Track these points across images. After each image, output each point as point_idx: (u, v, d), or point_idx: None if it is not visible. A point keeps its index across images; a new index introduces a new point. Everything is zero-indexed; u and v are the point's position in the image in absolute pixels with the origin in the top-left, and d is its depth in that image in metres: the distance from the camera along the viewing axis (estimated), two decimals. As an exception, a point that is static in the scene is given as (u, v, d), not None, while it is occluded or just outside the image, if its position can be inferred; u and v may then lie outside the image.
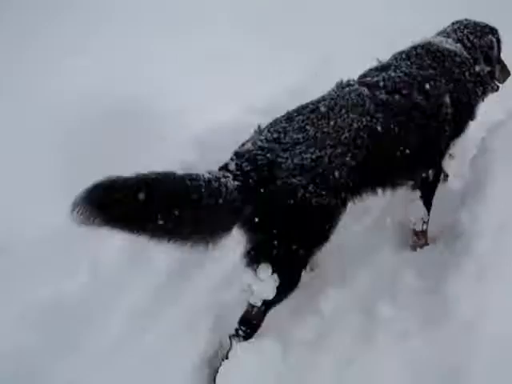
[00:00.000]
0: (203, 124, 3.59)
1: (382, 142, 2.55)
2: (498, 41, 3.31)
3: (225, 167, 2.33)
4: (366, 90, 2.63)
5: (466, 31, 3.21)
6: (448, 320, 2.29)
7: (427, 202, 3.13)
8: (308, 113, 2.49)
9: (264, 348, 2.42)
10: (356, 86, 2.68)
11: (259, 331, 2.50)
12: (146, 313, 2.74)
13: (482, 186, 2.89)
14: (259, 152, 2.32)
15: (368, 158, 2.49)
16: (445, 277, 2.55)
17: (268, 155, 2.31)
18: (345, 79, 2.73)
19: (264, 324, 2.50)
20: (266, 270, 2.36)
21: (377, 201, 2.97)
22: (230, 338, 2.48)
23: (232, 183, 2.22)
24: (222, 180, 2.19)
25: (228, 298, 2.81)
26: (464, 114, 3.07)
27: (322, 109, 2.50)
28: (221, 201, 2.14)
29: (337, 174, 2.39)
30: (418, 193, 3.10)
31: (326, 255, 2.70)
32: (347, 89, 2.64)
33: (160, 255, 2.90)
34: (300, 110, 2.53)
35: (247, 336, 2.48)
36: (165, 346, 2.58)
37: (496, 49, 3.27)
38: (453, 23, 3.36)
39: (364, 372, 2.36)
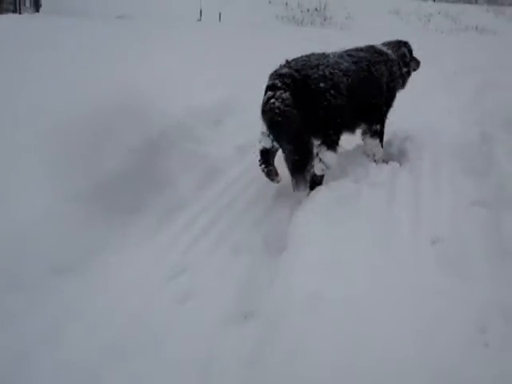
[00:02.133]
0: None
1: (355, 77, 4.05)
2: (410, 49, 5.00)
3: (272, 86, 3.69)
4: (345, 55, 4.23)
5: (394, 48, 4.77)
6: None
7: (380, 141, 4.56)
8: (318, 54, 4.05)
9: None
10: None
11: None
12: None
13: (295, 256, 3.08)
14: (295, 72, 3.74)
15: (351, 81, 3.98)
16: (261, 352, 2.55)
17: (302, 72, 3.75)
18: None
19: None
20: (337, 149, 3.91)
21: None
22: None
23: (286, 94, 3.63)
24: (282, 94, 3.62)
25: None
26: (392, 91, 4.60)
27: (326, 53, 4.13)
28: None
29: (342, 85, 3.87)
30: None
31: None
32: (335, 51, 4.26)
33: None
34: (312, 54, 4.04)
35: None
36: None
37: (408, 55, 4.89)
38: (384, 42, 4.87)
39: None
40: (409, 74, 4.94)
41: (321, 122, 3.77)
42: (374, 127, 4.48)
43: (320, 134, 3.81)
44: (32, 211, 3.37)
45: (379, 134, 4.54)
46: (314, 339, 2.47)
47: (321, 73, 3.76)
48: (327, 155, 3.83)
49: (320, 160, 3.84)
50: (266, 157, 4.16)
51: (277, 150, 4.13)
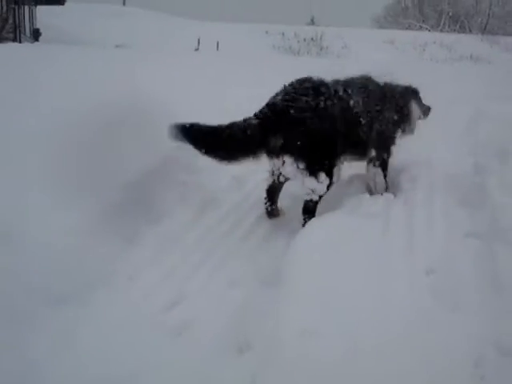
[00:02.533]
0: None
1: (352, 111, 4.11)
2: (419, 98, 5.04)
3: (257, 113, 3.86)
4: (354, 88, 4.25)
5: (400, 94, 4.79)
6: None
7: (384, 173, 4.64)
8: (319, 81, 4.01)
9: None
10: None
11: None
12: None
13: (290, 290, 3.09)
14: (280, 102, 3.84)
15: (346, 114, 4.04)
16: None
17: (285, 103, 3.81)
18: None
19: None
20: (322, 176, 3.95)
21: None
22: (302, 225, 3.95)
23: (254, 122, 3.78)
24: (248, 121, 3.79)
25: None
26: (382, 133, 4.53)
27: (331, 82, 4.12)
28: (248, 132, 3.74)
29: (331, 116, 3.89)
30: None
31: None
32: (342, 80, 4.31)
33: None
34: (311, 80, 4.00)
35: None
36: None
37: (411, 106, 4.86)
38: (395, 85, 4.83)
39: None
40: (410, 124, 4.91)
41: (302, 148, 3.85)
42: (378, 157, 4.57)
43: (303, 160, 3.89)
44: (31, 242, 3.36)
45: (382, 164, 4.62)
46: (307, 375, 2.48)
47: (306, 101, 3.82)
48: (307, 181, 3.95)
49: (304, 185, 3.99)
50: (271, 195, 4.37)
51: (280, 188, 4.38)
